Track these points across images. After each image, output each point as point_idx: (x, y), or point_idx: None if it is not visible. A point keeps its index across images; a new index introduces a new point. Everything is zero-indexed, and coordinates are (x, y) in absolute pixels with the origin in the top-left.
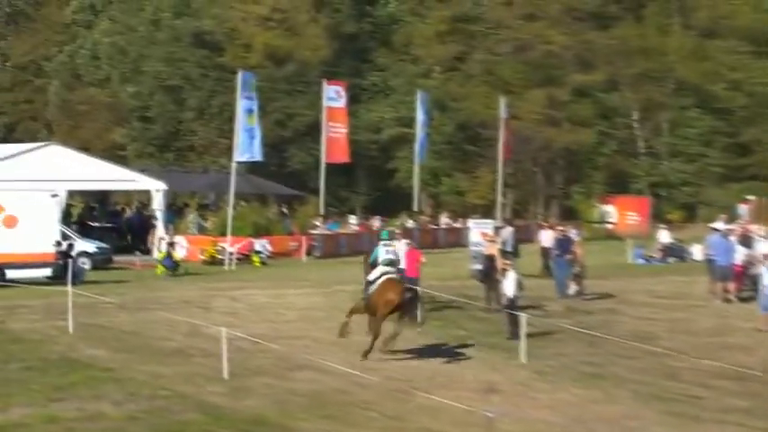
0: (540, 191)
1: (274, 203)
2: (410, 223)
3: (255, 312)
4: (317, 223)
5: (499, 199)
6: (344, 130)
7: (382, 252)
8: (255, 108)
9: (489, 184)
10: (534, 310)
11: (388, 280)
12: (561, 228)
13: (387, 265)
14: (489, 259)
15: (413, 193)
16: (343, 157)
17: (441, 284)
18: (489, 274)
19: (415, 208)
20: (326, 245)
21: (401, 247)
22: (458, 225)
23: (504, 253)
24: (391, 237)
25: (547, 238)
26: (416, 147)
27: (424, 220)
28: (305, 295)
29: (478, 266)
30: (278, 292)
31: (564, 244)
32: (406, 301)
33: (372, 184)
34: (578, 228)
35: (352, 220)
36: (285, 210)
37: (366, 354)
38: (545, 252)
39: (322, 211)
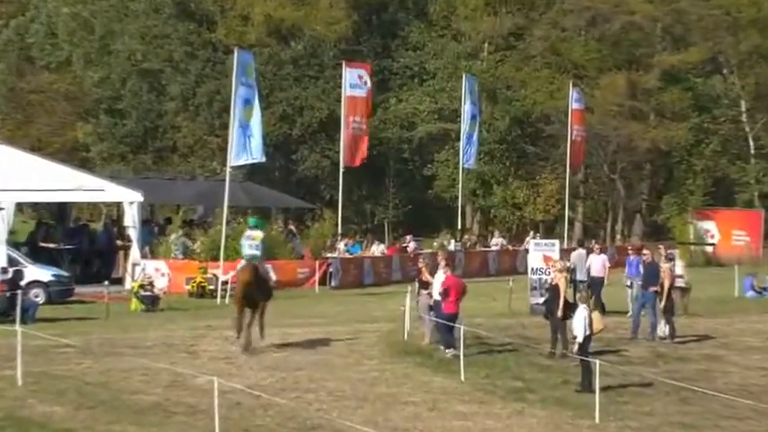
0: (619, 203)
1: (280, 219)
2: (452, 245)
3: (256, 358)
4: (335, 244)
5: (567, 213)
6: (367, 126)
7: (245, 246)
8: (255, 98)
9: (554, 195)
10: (612, 355)
11: (242, 267)
12: (645, 251)
13: (249, 260)
14: (554, 291)
15: (456, 206)
16: (365, 159)
17: (491, 322)
18: (554, 310)
19: (459, 225)
20: (346, 272)
21: (438, 276)
22: (513, 247)
23: (573, 283)
24: (259, 225)
25: (597, 264)
26: (461, 147)
27: (470, 239)
28: (318, 336)
29: (540, 300)
30: (284, 331)
31: (651, 272)
32: (255, 283)
33: (404, 194)
34: (669, 250)
35: (377, 243)
36: (293, 227)
37: (246, 348)
38: (595, 282)
39: (340, 228)
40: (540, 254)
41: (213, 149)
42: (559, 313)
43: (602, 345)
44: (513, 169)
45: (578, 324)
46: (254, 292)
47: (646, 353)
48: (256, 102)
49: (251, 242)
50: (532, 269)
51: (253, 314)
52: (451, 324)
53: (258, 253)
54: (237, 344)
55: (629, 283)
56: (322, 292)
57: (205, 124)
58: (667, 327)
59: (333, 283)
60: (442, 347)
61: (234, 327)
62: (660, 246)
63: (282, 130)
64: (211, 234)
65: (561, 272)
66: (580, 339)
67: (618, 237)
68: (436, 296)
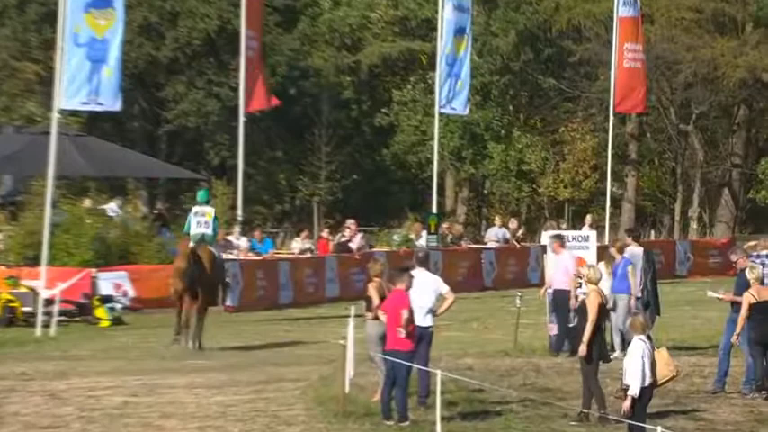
0: (694, 172)
1: (141, 197)
2: (423, 238)
3: (102, 425)
4: (233, 238)
5: (609, 188)
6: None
7: (193, 224)
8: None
9: (588, 158)
10: (685, 418)
11: (181, 252)
12: (734, 255)
13: (197, 242)
14: (585, 314)
15: (430, 177)
16: (281, 102)
17: (487, 364)
18: (590, 345)
19: (435, 207)
20: (250, 284)
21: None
22: (523, 242)
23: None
24: (207, 200)
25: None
26: (437, 80)
27: (452, 231)
28: (204, 390)
29: (569, 326)
30: (150, 381)
31: (743, 285)
32: (196, 272)
33: (345, 157)
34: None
35: (301, 235)
36: (163, 210)
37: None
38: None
39: (241, 212)
40: (566, 254)
41: (30, 82)
42: (583, 350)
43: (669, 401)
44: (521, 117)
45: (633, 367)
46: (196, 284)
47: (740, 415)
48: (112, 9)
49: (200, 219)
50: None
51: (189, 309)
52: (405, 365)
53: (209, 232)
54: (174, 345)
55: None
56: (210, 317)
57: (14, 41)
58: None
59: (228, 302)
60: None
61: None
62: (756, 241)
63: (144, 52)
64: (26, 222)
65: (596, 283)
66: (635, 392)
67: (693, 225)
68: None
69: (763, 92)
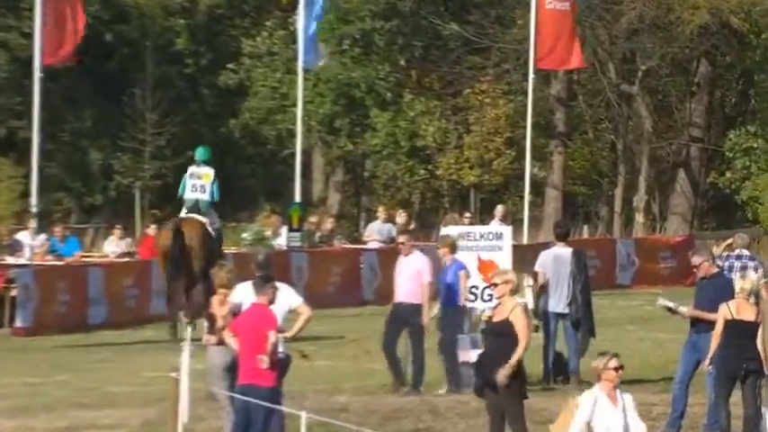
0: (640, 148)
1: None
2: (283, 236)
3: None
4: (23, 237)
5: (528, 170)
6: None
7: (188, 187)
8: None
9: (501, 130)
10: None
11: (164, 227)
12: (696, 257)
13: (190, 209)
14: (502, 335)
15: (292, 154)
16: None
17: (365, 404)
18: (500, 378)
19: (298, 195)
20: (48, 298)
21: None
22: (414, 240)
23: (545, 317)
24: (207, 159)
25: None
26: (299, 24)
27: (320, 226)
28: None
29: (473, 355)
30: None
31: (721, 294)
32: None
33: (176, 127)
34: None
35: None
36: None
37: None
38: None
39: (35, 201)
40: (473, 256)
41: None
42: (502, 380)
43: None
44: (413, 75)
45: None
46: (186, 261)
47: None
48: None
49: (195, 182)
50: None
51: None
52: (265, 407)
53: (204, 198)
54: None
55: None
56: None
57: None
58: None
59: (20, 323)
60: None
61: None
62: (732, 238)
63: None
64: None
65: (514, 292)
66: None
67: (639, 218)
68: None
69: (731, 41)
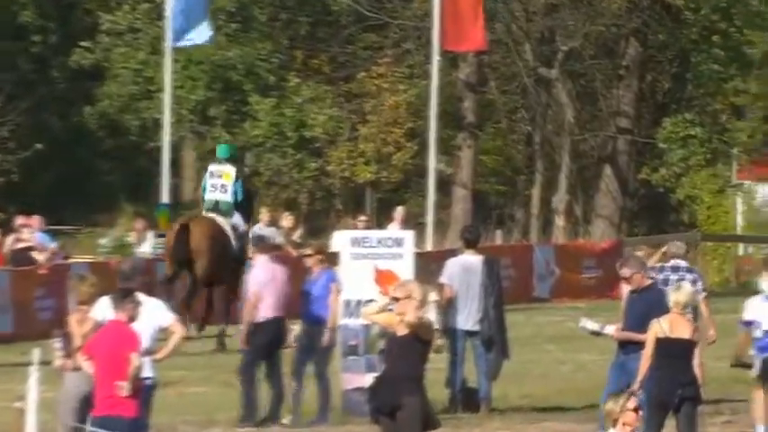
0: (561, 140)
1: None
2: (148, 242)
3: None
4: None
5: (433, 164)
6: None
7: (208, 186)
8: None
9: (401, 120)
10: None
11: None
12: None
13: (209, 212)
14: (401, 354)
15: (160, 148)
16: None
17: None
18: (402, 403)
19: (164, 195)
20: None
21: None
22: (301, 248)
23: (454, 335)
24: (230, 157)
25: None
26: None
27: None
28: None
29: (368, 378)
30: None
31: (652, 307)
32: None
33: (19, 121)
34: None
35: None
36: None
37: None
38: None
39: None
40: (367, 266)
41: None
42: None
43: None
44: (298, 56)
45: None
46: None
47: None
48: None
49: (215, 181)
50: (347, 303)
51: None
52: None
53: (225, 198)
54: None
55: None
56: None
57: None
58: None
59: None
60: None
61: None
62: (666, 246)
63: None
64: None
65: (420, 306)
66: None
67: (560, 222)
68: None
69: (664, 18)
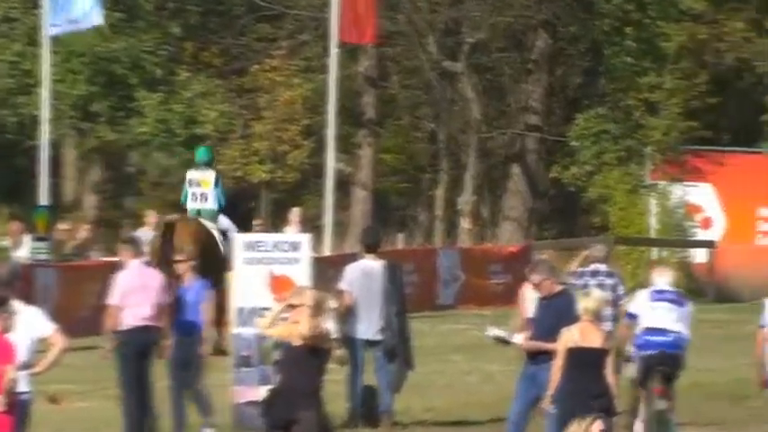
0: (467, 136)
1: None
2: (25, 246)
3: None
4: None
5: (331, 161)
6: None
7: (189, 196)
8: None
9: (298, 116)
10: None
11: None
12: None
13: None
14: (292, 364)
15: (39, 146)
16: None
17: None
18: (295, 415)
19: (44, 196)
20: None
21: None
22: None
23: (353, 344)
24: (208, 160)
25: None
26: None
27: (76, 234)
28: None
29: (262, 391)
30: None
31: (561, 315)
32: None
33: None
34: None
35: None
36: None
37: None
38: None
39: None
40: (262, 271)
41: None
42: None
43: None
44: (188, 48)
45: None
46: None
47: None
48: None
49: (195, 190)
50: (240, 311)
51: None
52: None
53: (207, 207)
54: None
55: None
56: None
57: None
58: None
59: None
60: None
61: None
62: (588, 250)
63: None
64: None
65: (316, 315)
66: None
67: (465, 224)
68: None
69: (575, 9)
